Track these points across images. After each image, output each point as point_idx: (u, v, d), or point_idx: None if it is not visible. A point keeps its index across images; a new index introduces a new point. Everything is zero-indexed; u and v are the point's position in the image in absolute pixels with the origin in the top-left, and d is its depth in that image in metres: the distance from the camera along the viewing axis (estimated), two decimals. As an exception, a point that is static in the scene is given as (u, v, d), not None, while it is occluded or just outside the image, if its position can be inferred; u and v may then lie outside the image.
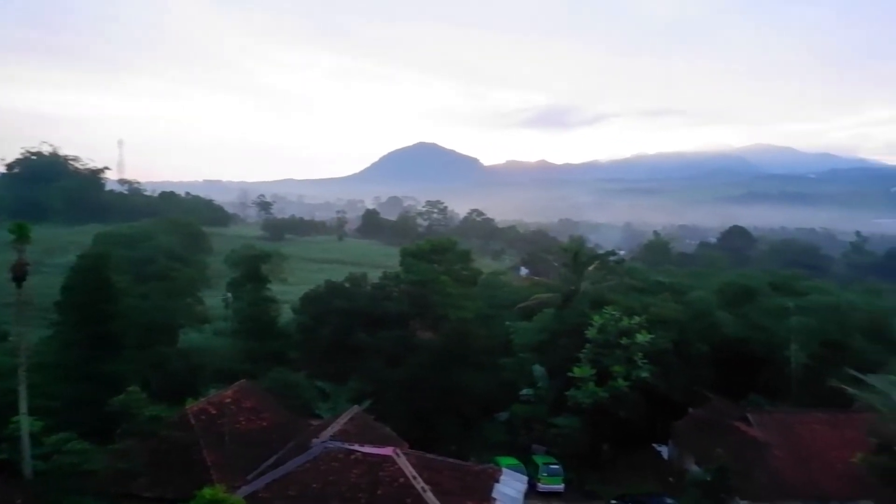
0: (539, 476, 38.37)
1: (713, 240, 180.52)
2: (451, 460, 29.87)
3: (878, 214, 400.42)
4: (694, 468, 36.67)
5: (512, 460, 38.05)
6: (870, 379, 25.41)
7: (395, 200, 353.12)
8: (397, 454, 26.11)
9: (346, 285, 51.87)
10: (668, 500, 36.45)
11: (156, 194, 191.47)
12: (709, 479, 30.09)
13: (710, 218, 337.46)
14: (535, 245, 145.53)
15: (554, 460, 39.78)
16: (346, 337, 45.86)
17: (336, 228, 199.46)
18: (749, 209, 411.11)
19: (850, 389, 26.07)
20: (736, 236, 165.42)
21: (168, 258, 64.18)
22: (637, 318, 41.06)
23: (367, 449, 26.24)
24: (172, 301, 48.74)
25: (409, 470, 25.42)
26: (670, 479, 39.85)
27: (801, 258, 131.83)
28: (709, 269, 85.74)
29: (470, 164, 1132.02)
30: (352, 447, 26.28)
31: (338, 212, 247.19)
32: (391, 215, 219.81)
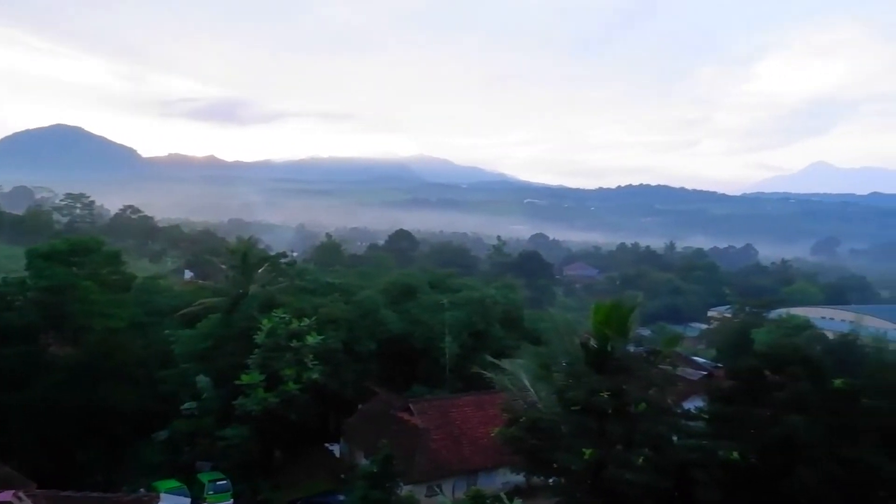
0: (205, 495, 35.96)
1: (381, 242, 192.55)
2: (95, 494, 26.07)
3: (515, 221, 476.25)
4: (364, 461, 37.91)
5: (173, 483, 35.28)
6: (504, 363, 29.05)
7: (22, 191, 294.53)
8: (20, 498, 21.53)
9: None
10: (340, 497, 37.11)
11: None
12: (375, 469, 31.25)
13: (380, 221, 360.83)
14: (201, 246, 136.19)
15: (221, 475, 37.51)
16: (-53, 360, 36.50)
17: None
18: (413, 214, 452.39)
19: (488, 374, 29.43)
20: (401, 239, 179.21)
21: None
22: (307, 320, 40.89)
23: (-26, 499, 21.07)
24: None
25: (36, 516, 21.13)
26: (342, 476, 40.61)
27: (454, 258, 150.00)
28: (377, 270, 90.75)
29: (125, 154, 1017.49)
30: (-51, 501, 20.82)
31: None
32: (17, 209, 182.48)
